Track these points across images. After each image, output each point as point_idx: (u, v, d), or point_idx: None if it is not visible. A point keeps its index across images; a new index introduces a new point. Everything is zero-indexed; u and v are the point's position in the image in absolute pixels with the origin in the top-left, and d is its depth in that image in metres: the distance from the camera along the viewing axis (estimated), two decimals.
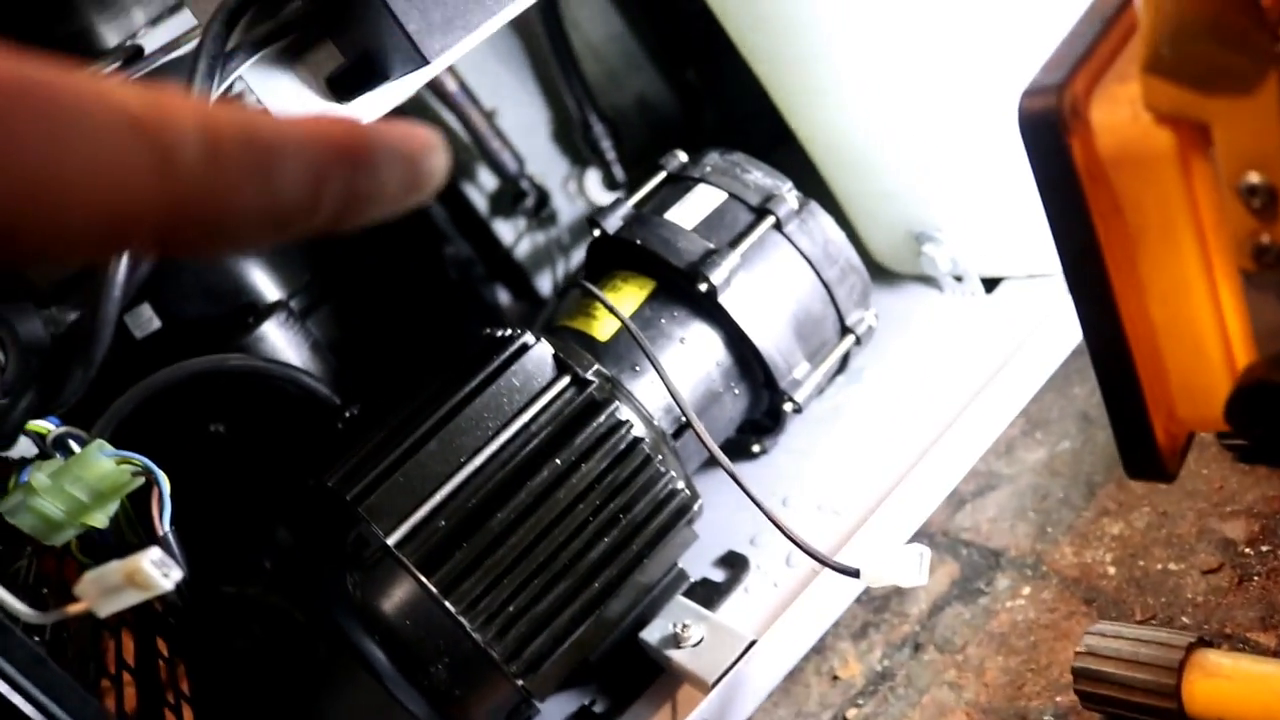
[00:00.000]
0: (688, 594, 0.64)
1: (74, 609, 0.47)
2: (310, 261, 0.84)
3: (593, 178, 1.08)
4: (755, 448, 0.72)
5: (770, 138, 1.02)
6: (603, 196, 1.08)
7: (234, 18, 0.53)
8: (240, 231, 0.20)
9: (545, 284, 1.11)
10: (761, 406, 0.69)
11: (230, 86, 0.53)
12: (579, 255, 1.10)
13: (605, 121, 1.05)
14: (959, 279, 0.73)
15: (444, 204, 1.06)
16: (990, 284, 0.73)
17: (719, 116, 1.18)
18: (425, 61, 0.50)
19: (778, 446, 0.73)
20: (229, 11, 0.53)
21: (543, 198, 1.05)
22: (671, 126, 1.16)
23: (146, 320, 0.82)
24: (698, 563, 0.67)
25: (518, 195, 1.04)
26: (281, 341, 0.77)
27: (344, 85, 0.57)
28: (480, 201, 1.08)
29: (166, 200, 0.18)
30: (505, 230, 1.09)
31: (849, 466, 0.68)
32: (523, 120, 1.07)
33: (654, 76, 1.15)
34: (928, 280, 0.77)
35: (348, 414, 0.69)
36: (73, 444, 0.65)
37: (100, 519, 0.60)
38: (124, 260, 0.47)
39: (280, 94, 0.57)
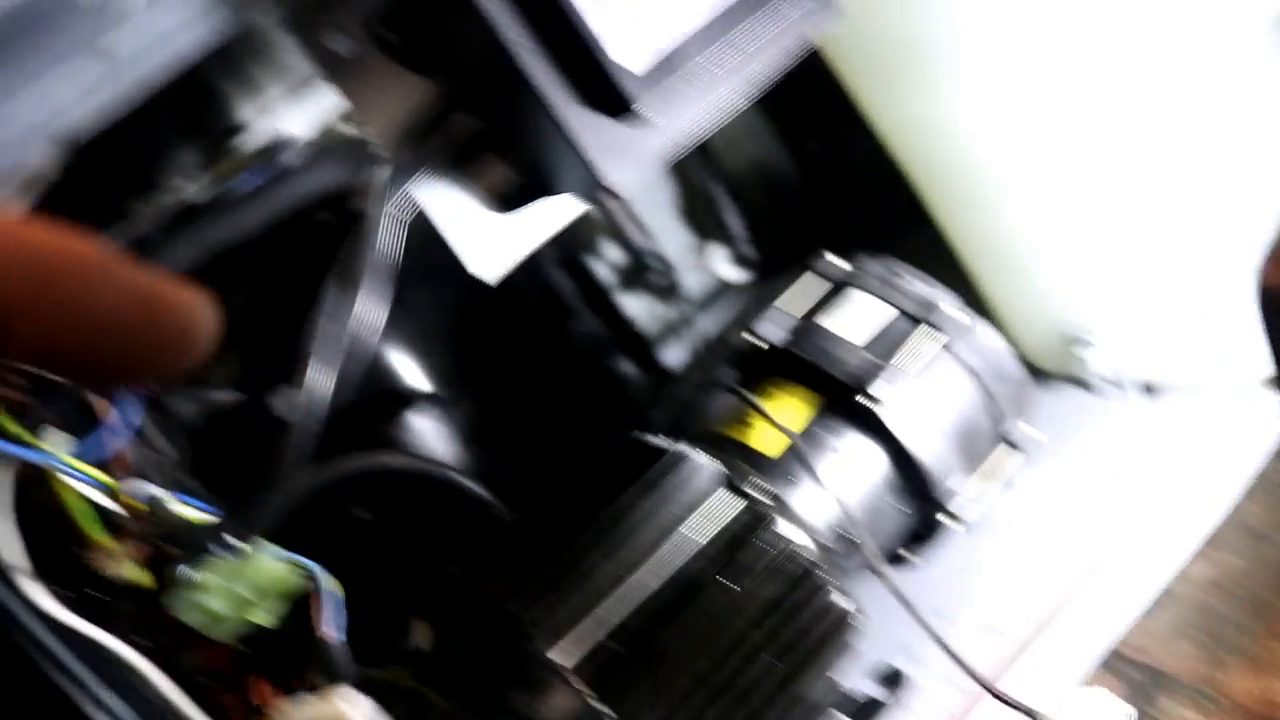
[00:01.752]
0: (844, 708, 0.63)
1: None
2: (456, 350, 0.85)
3: (718, 253, 1.08)
4: (910, 558, 0.71)
5: (898, 214, 1.02)
6: (729, 272, 1.08)
7: (413, 141, 0.54)
8: None
9: (669, 357, 1.11)
10: (919, 517, 0.68)
11: None
12: (703, 327, 1.10)
13: (733, 197, 1.05)
14: (1114, 383, 0.72)
15: (570, 277, 1.06)
16: (1146, 389, 0.71)
17: (841, 188, 1.18)
18: (607, 190, 0.50)
19: (930, 555, 0.71)
20: (408, 136, 0.53)
21: (669, 273, 1.05)
22: (791, 195, 1.16)
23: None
24: (851, 675, 0.66)
25: (644, 270, 1.04)
26: (431, 433, 0.78)
27: (513, 199, 0.58)
28: (605, 275, 1.09)
29: None
30: (630, 304, 1.09)
31: (1008, 581, 0.67)
32: (648, 194, 1.08)
33: (775, 144, 1.14)
34: (1075, 379, 0.76)
35: (505, 517, 0.69)
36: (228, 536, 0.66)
37: (264, 616, 0.61)
38: (318, 378, 0.47)
39: (448, 206, 0.58)
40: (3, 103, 0.47)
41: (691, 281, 1.09)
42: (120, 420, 0.59)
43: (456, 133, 0.56)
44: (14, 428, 0.54)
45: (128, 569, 0.56)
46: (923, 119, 0.68)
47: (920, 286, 0.65)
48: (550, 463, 0.88)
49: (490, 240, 0.59)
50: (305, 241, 0.99)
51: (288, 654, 0.81)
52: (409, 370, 0.85)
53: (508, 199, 0.58)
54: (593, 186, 0.50)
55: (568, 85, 0.48)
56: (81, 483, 0.55)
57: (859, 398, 0.61)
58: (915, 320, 0.64)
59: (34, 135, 0.50)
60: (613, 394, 0.98)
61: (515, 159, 0.57)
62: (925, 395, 0.62)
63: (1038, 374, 0.78)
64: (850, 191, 1.16)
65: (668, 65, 0.48)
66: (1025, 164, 0.66)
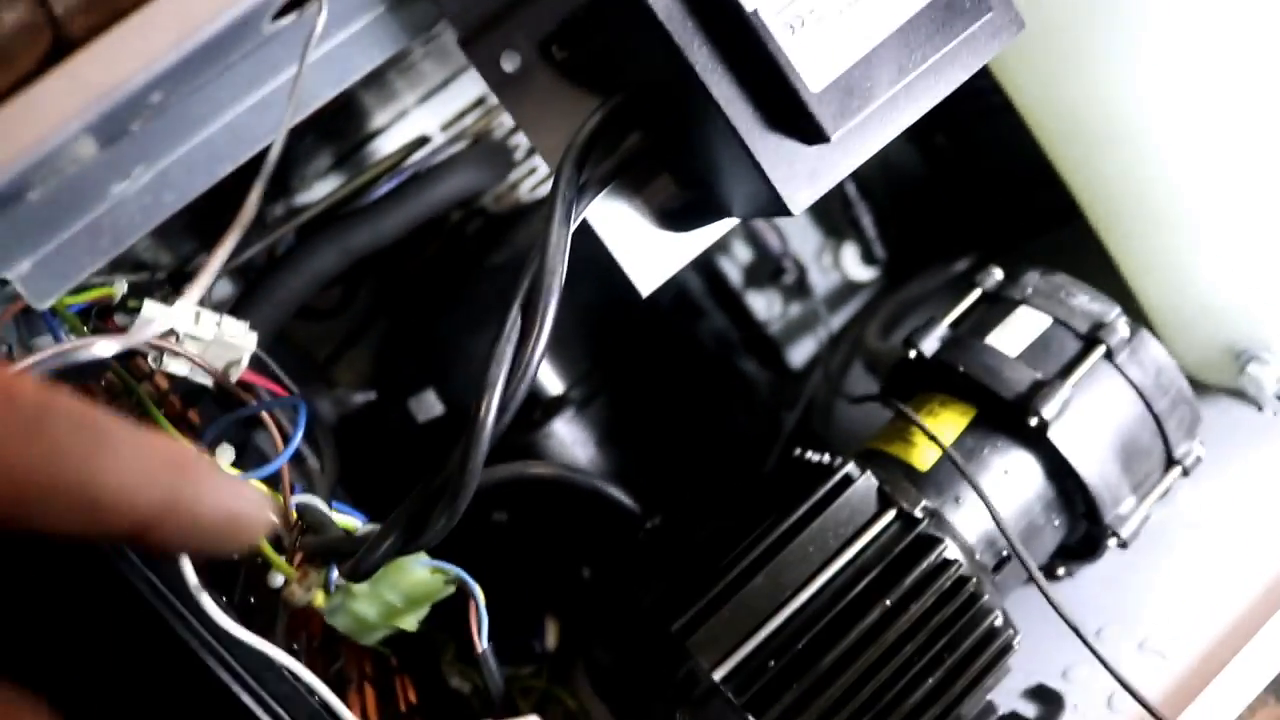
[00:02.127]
0: None
1: None
2: (589, 350, 0.85)
3: (849, 252, 1.06)
4: (1060, 571, 0.69)
5: (1033, 212, 0.99)
6: (860, 272, 1.07)
7: (582, 159, 0.53)
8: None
9: (796, 357, 1.11)
10: (1077, 535, 0.66)
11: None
12: (834, 325, 1.09)
13: (865, 196, 1.03)
14: None
15: (701, 277, 1.06)
16: None
17: (970, 185, 1.16)
18: (788, 213, 0.49)
19: (1081, 570, 0.70)
20: (578, 152, 0.53)
21: (802, 274, 1.04)
22: (918, 193, 1.14)
23: (429, 405, 0.84)
24: (1002, 693, 0.65)
25: (777, 271, 1.03)
26: (570, 438, 0.78)
27: (679, 218, 0.57)
28: (735, 275, 1.08)
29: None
30: (759, 303, 1.09)
31: (1165, 600, 0.65)
32: None
33: (901, 140, 1.13)
34: (1238, 393, 0.73)
35: (649, 525, 0.69)
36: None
37: (411, 623, 0.61)
38: (493, 406, 0.47)
39: (615, 223, 0.58)
40: (197, 130, 0.48)
41: (820, 281, 1.08)
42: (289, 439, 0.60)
43: (624, 149, 0.56)
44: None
45: (285, 578, 0.56)
46: (1079, 103, 0.65)
47: (1088, 302, 0.63)
48: (687, 468, 0.88)
49: (649, 252, 0.59)
50: (440, 243, 1.00)
51: (424, 656, 0.82)
52: (543, 370, 0.85)
53: (673, 216, 0.57)
54: (775, 211, 0.49)
55: (755, 109, 0.47)
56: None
57: (1029, 418, 0.59)
58: (1080, 335, 0.62)
59: (218, 162, 0.51)
60: (742, 395, 0.97)
61: (685, 178, 0.56)
62: (1092, 414, 0.61)
63: (1197, 386, 0.75)
64: (980, 189, 1.13)
65: (850, 84, 0.47)
66: (1199, 156, 0.63)
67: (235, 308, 0.80)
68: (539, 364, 0.48)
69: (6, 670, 0.25)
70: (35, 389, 0.24)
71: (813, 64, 0.46)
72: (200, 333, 0.60)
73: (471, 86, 1.01)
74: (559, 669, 0.89)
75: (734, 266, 1.08)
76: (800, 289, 1.05)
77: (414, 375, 0.85)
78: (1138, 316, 0.74)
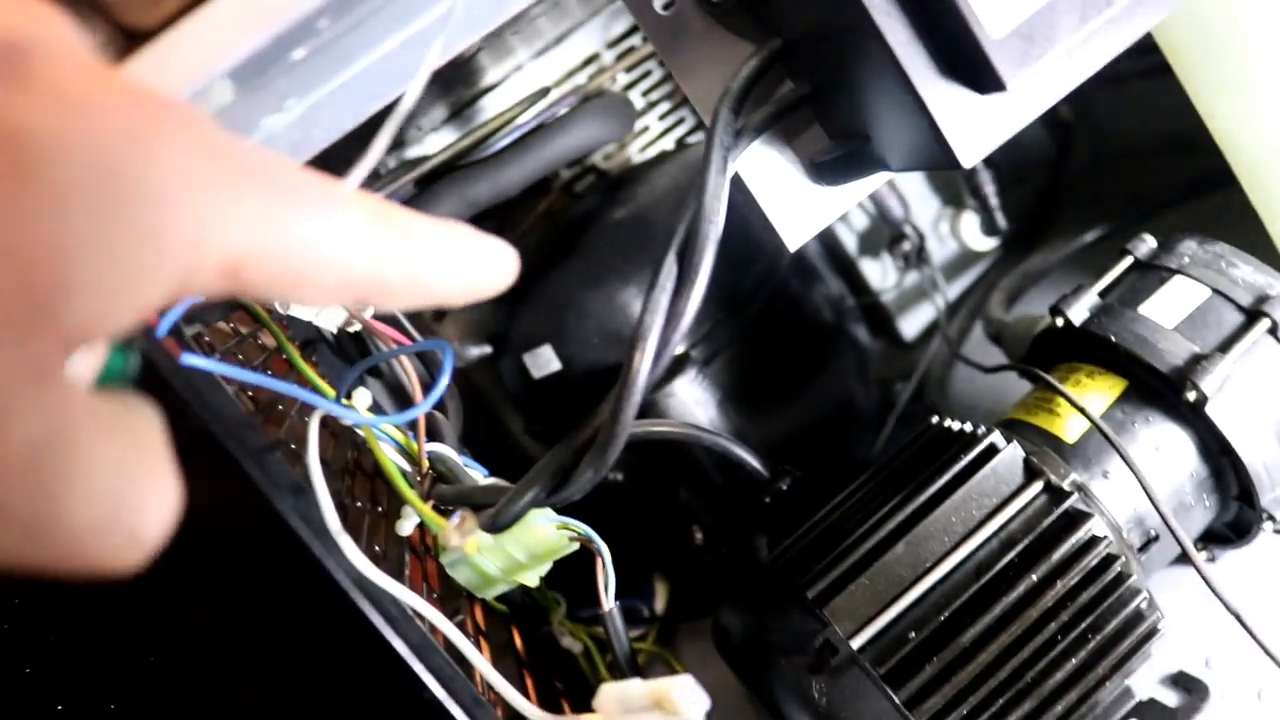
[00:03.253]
0: (1135, 714, 0.60)
1: (590, 719, 0.47)
2: (710, 310, 0.83)
3: (969, 221, 1.03)
4: (1206, 556, 0.67)
5: (1161, 186, 0.96)
6: (979, 242, 1.04)
7: (739, 104, 0.52)
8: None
9: (909, 327, 1.08)
10: (1227, 517, 0.64)
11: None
12: (951, 295, 1.06)
13: (988, 164, 1.00)
14: None
15: (817, 240, 1.04)
16: None
17: (1093, 155, 1.12)
18: (958, 166, 0.47)
19: (1230, 553, 0.67)
20: (735, 99, 0.51)
21: (921, 242, 1.01)
22: (1040, 163, 1.10)
23: (546, 361, 0.83)
24: (1140, 680, 0.63)
25: (897, 239, 1.01)
26: (690, 399, 0.77)
27: (833, 171, 0.55)
28: (850, 240, 1.06)
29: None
30: (873, 271, 1.06)
31: None
32: None
33: None
34: None
35: (779, 485, 0.67)
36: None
37: (533, 579, 0.61)
38: (649, 356, 0.45)
39: (764, 175, 0.56)
40: (349, 65, 0.47)
41: (936, 250, 1.05)
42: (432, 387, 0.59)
43: (779, 97, 0.54)
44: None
45: (418, 510, 0.55)
46: (1247, 60, 0.62)
47: (1251, 273, 0.60)
48: (802, 435, 0.86)
49: (798, 207, 0.57)
50: (550, 200, 0.99)
51: (534, 614, 0.82)
52: None
53: (824, 170, 0.55)
54: (942, 164, 0.47)
55: (929, 55, 0.45)
56: (392, 446, 0.55)
57: (1187, 392, 0.56)
58: (1242, 308, 0.59)
59: (367, 100, 0.50)
60: (855, 363, 0.95)
61: (840, 130, 0.54)
62: (1254, 391, 0.58)
63: None
64: (1104, 161, 1.10)
65: (1030, 31, 0.45)
66: None
67: None
68: (694, 315, 0.47)
69: None
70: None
71: (993, 8, 0.44)
72: None
73: (585, 43, 1.00)
74: (665, 632, 0.88)
75: (850, 233, 1.06)
76: (919, 258, 1.02)
77: (530, 331, 0.84)
78: None
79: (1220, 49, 0.65)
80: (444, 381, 0.51)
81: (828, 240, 1.05)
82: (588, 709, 0.55)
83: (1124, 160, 1.07)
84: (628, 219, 0.85)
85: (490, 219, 0.87)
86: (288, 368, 0.61)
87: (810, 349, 0.92)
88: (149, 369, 0.43)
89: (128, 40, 0.39)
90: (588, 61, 1.01)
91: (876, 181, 0.56)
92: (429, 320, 1.01)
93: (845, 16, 0.45)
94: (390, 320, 0.71)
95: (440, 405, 0.73)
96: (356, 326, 0.66)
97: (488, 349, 0.86)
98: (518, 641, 0.76)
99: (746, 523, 0.78)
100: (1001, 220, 1.02)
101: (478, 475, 0.66)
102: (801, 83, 0.54)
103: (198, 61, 0.39)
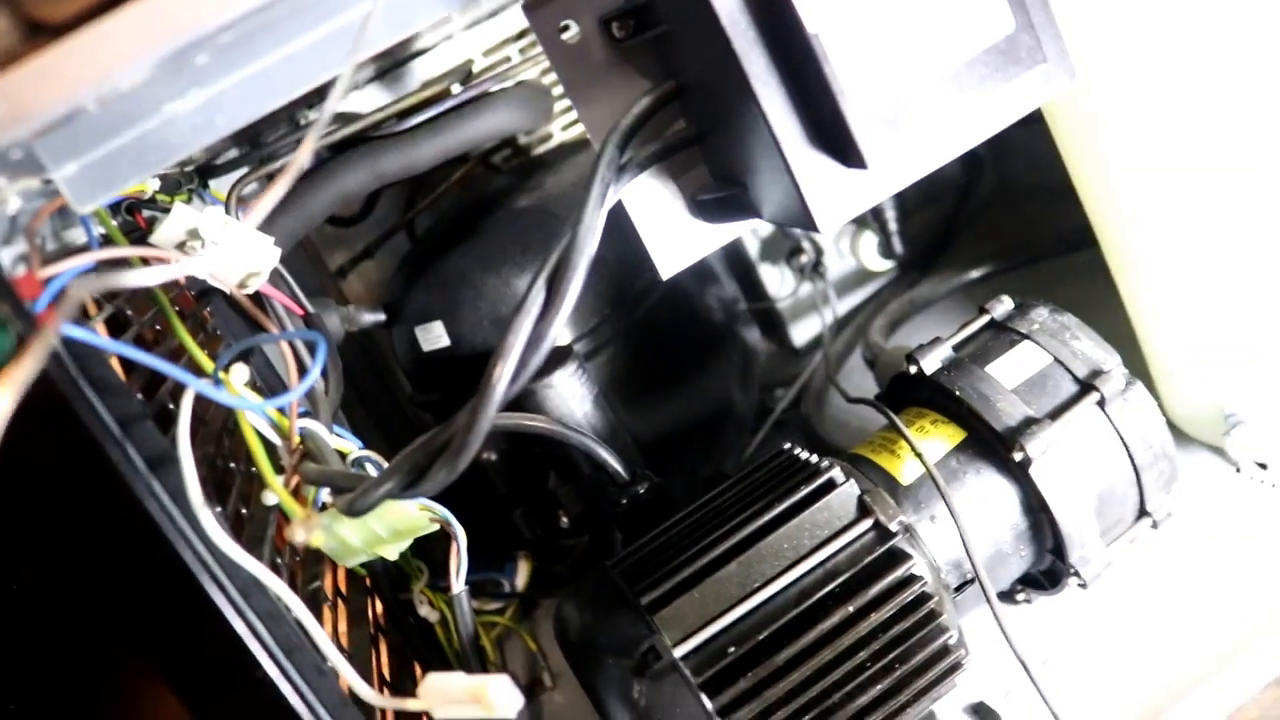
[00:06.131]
0: None
1: (412, 704, 0.50)
2: (599, 305, 0.86)
3: (868, 242, 1.07)
4: (1020, 596, 0.72)
5: (1060, 232, 1.00)
6: (876, 263, 1.08)
7: (626, 141, 0.54)
8: None
9: (799, 335, 1.12)
10: (1041, 567, 0.68)
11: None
12: (844, 309, 1.10)
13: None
14: (1263, 466, 0.71)
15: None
16: None
17: (1000, 188, 1.16)
18: (816, 229, 0.51)
19: (1040, 599, 0.72)
20: (623, 135, 0.54)
21: (819, 256, 1.05)
22: (946, 191, 1.15)
23: (436, 337, 0.85)
24: (944, 706, 0.68)
25: (796, 250, 1.04)
26: (568, 392, 0.80)
27: (711, 210, 0.59)
28: (752, 246, 1.09)
29: None
30: (771, 278, 1.10)
31: (1118, 645, 0.68)
32: None
33: None
34: (1218, 450, 0.75)
35: (635, 489, 0.71)
36: (369, 467, 0.69)
37: (392, 553, 0.63)
38: (506, 375, 0.48)
39: (646, 204, 0.59)
40: (256, 61, 0.49)
41: (834, 264, 1.09)
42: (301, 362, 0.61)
43: (669, 135, 0.57)
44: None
45: (279, 497, 0.58)
46: (1108, 137, 0.67)
47: (1090, 347, 0.65)
48: (678, 434, 0.89)
49: (675, 237, 0.60)
50: (468, 166, 1.01)
51: (396, 580, 0.85)
52: None
53: (703, 207, 0.59)
54: (803, 225, 0.51)
55: (800, 125, 0.48)
56: (265, 422, 0.57)
57: (1015, 451, 0.61)
58: (1078, 379, 0.64)
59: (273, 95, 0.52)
60: (740, 366, 0.99)
61: (721, 173, 0.57)
62: (1075, 457, 0.63)
63: (1183, 438, 0.77)
64: (1010, 199, 1.14)
65: (897, 116, 0.48)
66: (1215, 219, 0.65)
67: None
68: (554, 339, 0.50)
69: None
70: None
71: (864, 92, 0.47)
72: (225, 240, 0.62)
73: (518, 18, 1.02)
74: (524, 609, 0.92)
75: (753, 239, 1.09)
76: (814, 270, 1.06)
77: (425, 305, 0.87)
78: (1139, 357, 0.76)
79: (1081, 114, 0.69)
80: (315, 372, 0.54)
81: (731, 244, 1.08)
82: None
83: (1028, 199, 1.11)
84: (532, 208, 0.87)
85: (405, 181, 0.89)
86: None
87: (696, 349, 0.96)
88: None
89: (31, 32, 0.41)
90: (520, 35, 1.03)
91: (751, 224, 0.59)
92: (331, 277, 1.03)
93: (729, 77, 0.48)
94: (284, 286, 0.73)
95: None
96: (250, 287, 0.68)
97: (381, 316, 0.88)
98: (378, 607, 0.79)
99: (608, 514, 0.82)
100: (899, 245, 1.06)
101: (352, 446, 0.68)
102: (691, 124, 0.57)
103: (102, 64, 0.41)
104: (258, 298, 0.73)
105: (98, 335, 0.47)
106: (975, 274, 1.01)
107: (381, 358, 1.03)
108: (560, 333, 0.85)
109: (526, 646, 0.88)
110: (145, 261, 0.55)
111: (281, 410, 0.60)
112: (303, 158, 0.44)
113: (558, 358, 0.82)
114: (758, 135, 0.50)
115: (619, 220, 0.58)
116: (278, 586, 0.52)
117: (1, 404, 0.32)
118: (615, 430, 0.82)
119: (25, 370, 0.33)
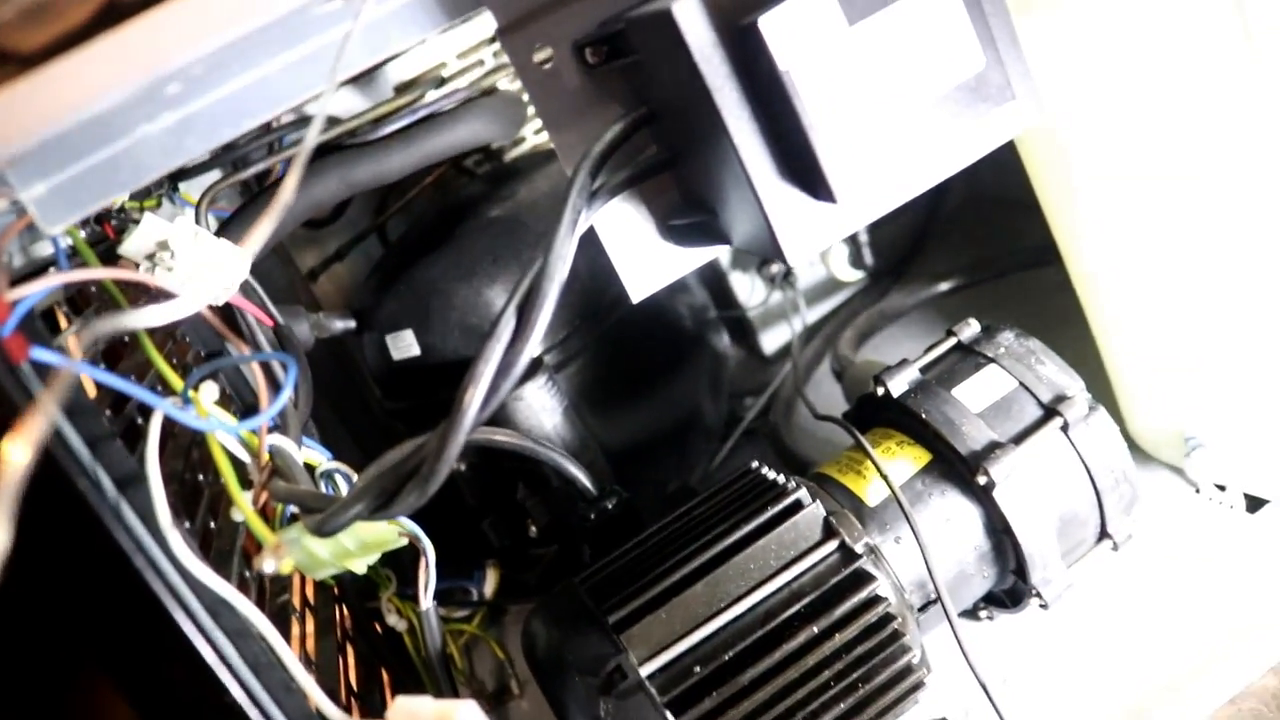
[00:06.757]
0: None
1: None
2: (570, 316, 0.87)
3: (838, 252, 1.08)
4: (982, 613, 0.73)
5: (1026, 249, 1.01)
6: (846, 273, 1.09)
7: (598, 167, 0.55)
8: None
9: (769, 343, 1.13)
10: (1004, 586, 0.69)
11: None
12: (811, 319, 1.11)
13: None
14: (1221, 488, 0.73)
15: None
16: (1254, 503, 0.72)
17: (971, 198, 1.17)
18: (784, 260, 0.51)
19: (1003, 617, 0.73)
20: (595, 161, 0.54)
21: (790, 267, 1.06)
22: (916, 201, 1.15)
23: (407, 345, 0.86)
24: None
25: (766, 259, 1.05)
26: (539, 405, 0.80)
27: (682, 235, 0.59)
28: (724, 256, 1.10)
29: None
30: (742, 285, 1.11)
31: (1078, 665, 0.69)
32: None
33: None
34: (1178, 470, 0.77)
35: (604, 505, 0.71)
36: (339, 479, 0.69)
37: (360, 566, 0.64)
38: (476, 402, 0.49)
39: (616, 228, 0.59)
40: (228, 85, 0.49)
41: (805, 273, 1.10)
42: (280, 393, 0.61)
43: (640, 161, 0.57)
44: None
45: (249, 523, 0.58)
46: (1075, 159, 0.68)
47: (1055, 372, 0.66)
48: (648, 444, 0.90)
49: (646, 261, 0.61)
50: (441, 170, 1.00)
51: (364, 589, 0.85)
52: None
53: (674, 231, 0.59)
54: (771, 254, 0.51)
55: (770, 157, 0.49)
56: (234, 439, 0.58)
57: (979, 475, 0.62)
58: (1042, 404, 0.65)
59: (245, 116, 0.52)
60: (710, 374, 1.00)
61: (692, 199, 0.58)
62: (1038, 481, 0.64)
63: (1146, 458, 0.78)
64: (976, 204, 1.15)
65: (866, 151, 0.49)
66: (1176, 244, 0.66)
67: (231, 220, 0.81)
68: (525, 365, 0.50)
69: None
70: None
71: (834, 127, 0.47)
72: (195, 251, 0.61)
73: (491, 23, 1.01)
74: (492, 616, 0.92)
75: (724, 247, 1.10)
76: (785, 279, 1.07)
77: (396, 313, 0.87)
78: (1104, 376, 0.77)
79: (1046, 140, 0.70)
80: (286, 394, 0.54)
81: None
82: (406, 684, 0.58)
83: (997, 209, 1.12)
84: (503, 218, 0.87)
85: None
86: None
87: (667, 357, 0.96)
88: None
89: None
90: (493, 39, 1.03)
91: (721, 249, 0.60)
92: (302, 279, 1.03)
93: (701, 110, 0.49)
94: (255, 298, 0.73)
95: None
96: (220, 299, 0.68)
97: (351, 323, 0.88)
98: (345, 617, 0.80)
99: (576, 526, 0.82)
100: (869, 256, 1.07)
101: (321, 458, 0.68)
102: (663, 149, 0.57)
103: (74, 97, 0.41)
104: (226, 307, 0.73)
105: (70, 360, 0.47)
106: (944, 287, 1.02)
107: (351, 361, 1.03)
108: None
109: (494, 654, 0.89)
110: (118, 283, 0.55)
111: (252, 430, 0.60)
112: (287, 194, 0.44)
113: (528, 370, 0.83)
114: (728, 166, 0.50)
115: (589, 233, 0.59)
116: (247, 609, 0.52)
117: (17, 458, 0.32)
118: (585, 442, 0.83)
119: (41, 426, 0.34)
